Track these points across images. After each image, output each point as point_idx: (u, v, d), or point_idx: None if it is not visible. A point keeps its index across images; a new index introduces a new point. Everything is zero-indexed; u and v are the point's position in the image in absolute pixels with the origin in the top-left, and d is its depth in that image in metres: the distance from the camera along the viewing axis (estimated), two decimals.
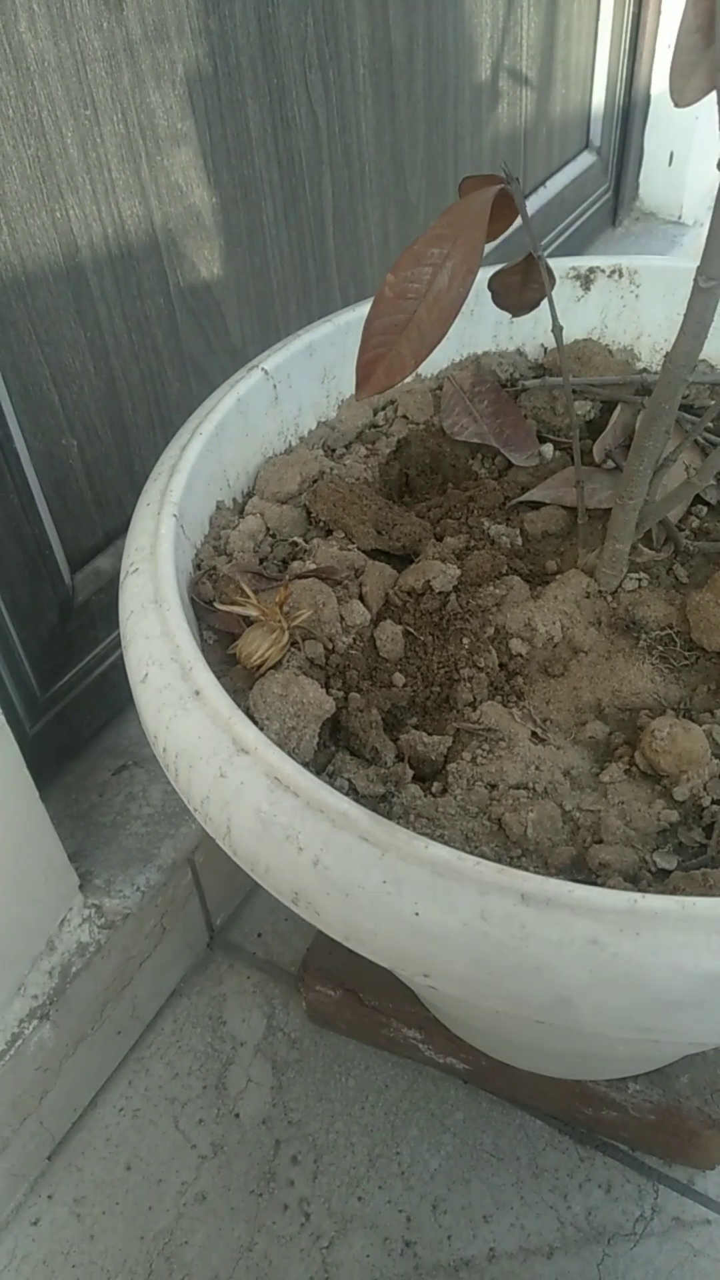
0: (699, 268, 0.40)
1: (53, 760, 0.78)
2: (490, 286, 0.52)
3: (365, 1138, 0.75)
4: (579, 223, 1.40)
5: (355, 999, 0.74)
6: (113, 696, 0.81)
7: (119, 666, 0.79)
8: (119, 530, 0.77)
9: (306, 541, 0.54)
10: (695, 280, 0.40)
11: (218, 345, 0.80)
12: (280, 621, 0.45)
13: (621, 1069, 0.66)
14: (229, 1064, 0.79)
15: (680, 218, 1.52)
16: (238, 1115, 0.76)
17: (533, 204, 1.26)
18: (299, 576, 0.49)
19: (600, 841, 0.43)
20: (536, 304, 0.53)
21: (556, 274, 0.63)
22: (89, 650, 0.77)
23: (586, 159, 1.36)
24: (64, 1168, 0.74)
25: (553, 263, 0.62)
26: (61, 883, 0.69)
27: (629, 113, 1.41)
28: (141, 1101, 0.77)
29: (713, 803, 0.45)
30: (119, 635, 0.77)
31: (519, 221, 0.49)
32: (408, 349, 0.46)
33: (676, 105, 0.35)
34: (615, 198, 1.49)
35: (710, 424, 0.62)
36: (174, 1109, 0.77)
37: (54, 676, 0.74)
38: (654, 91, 1.43)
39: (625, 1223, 0.70)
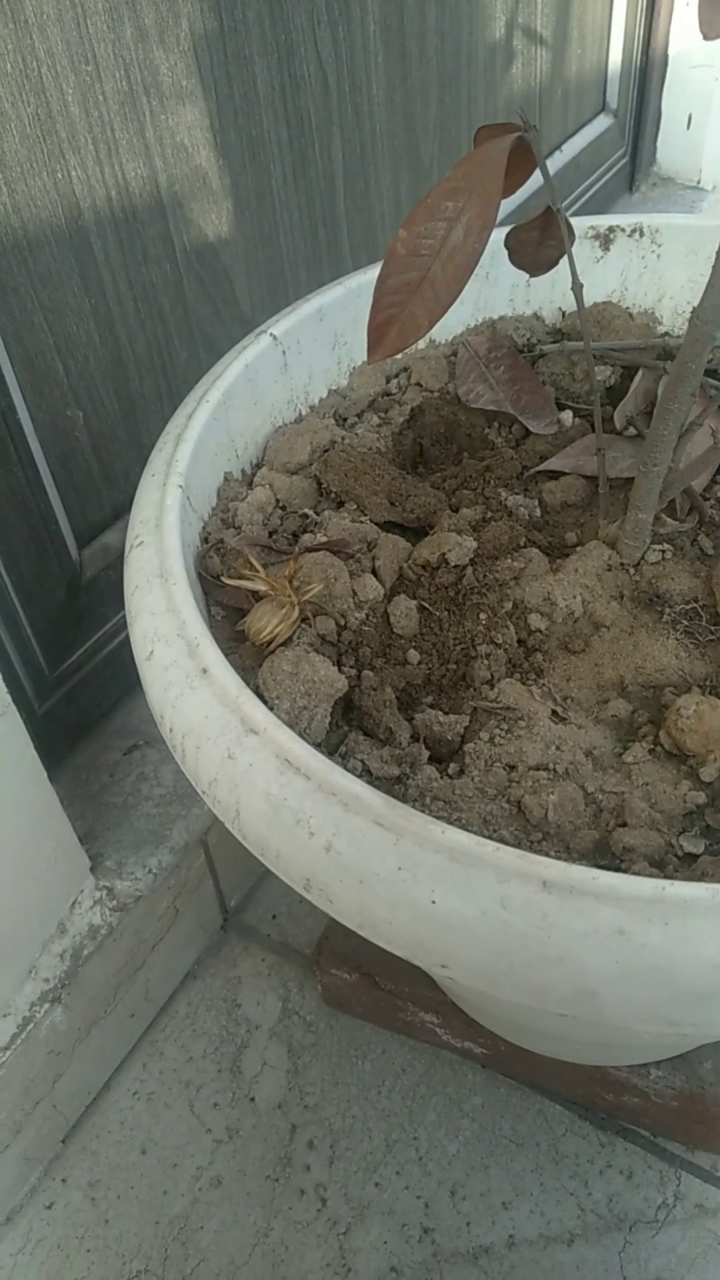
0: None
1: (62, 740, 0.76)
2: (507, 244, 0.50)
3: (382, 1123, 0.73)
4: (596, 188, 1.36)
5: (371, 982, 0.73)
6: (123, 675, 0.79)
7: (129, 644, 0.77)
8: (127, 505, 0.75)
9: (317, 514, 0.52)
10: None
11: (226, 313, 0.77)
12: (290, 596, 0.44)
13: (644, 1055, 0.64)
14: (244, 1047, 0.78)
15: (699, 182, 1.48)
16: (253, 1099, 0.75)
17: (549, 167, 1.22)
18: (309, 550, 0.47)
19: (624, 825, 0.41)
20: (555, 262, 0.51)
21: (575, 233, 0.61)
22: (98, 628, 0.75)
23: (603, 122, 1.32)
24: (78, 1151, 0.73)
25: (572, 221, 0.59)
26: (72, 865, 0.68)
27: (646, 74, 1.37)
28: (156, 1085, 0.77)
29: None
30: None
31: (536, 179, 0.46)
32: (421, 309, 0.43)
33: (706, 38, 0.33)
34: (632, 162, 1.45)
35: None
36: (189, 1092, 0.76)
37: (62, 655, 0.72)
38: (672, 52, 1.39)
39: (647, 1210, 0.68)
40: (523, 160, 0.45)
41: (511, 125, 0.43)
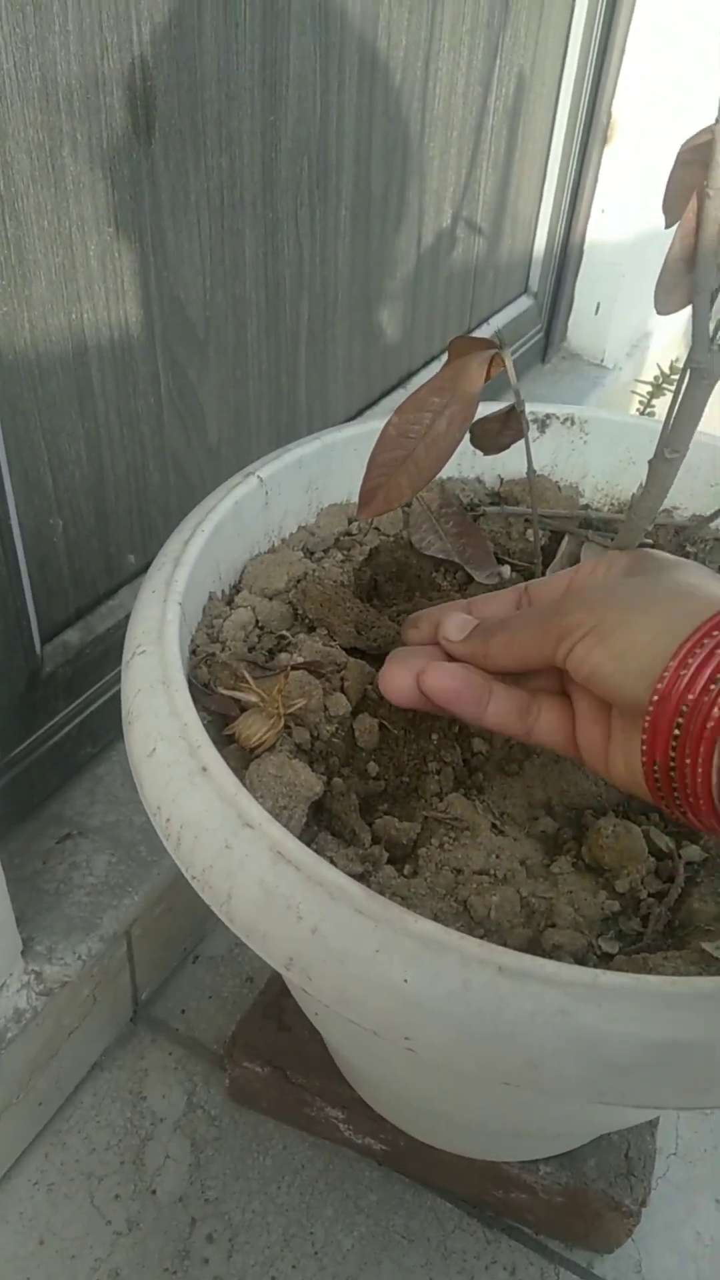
0: (663, 439, 0.48)
1: (0, 825, 0.79)
2: (471, 429, 0.59)
3: (281, 1217, 0.76)
4: (514, 357, 1.52)
5: (282, 1076, 0.76)
6: (63, 765, 0.83)
7: (73, 737, 0.82)
8: (89, 607, 0.81)
9: (292, 635, 0.59)
10: (660, 450, 0.48)
11: (196, 444, 0.85)
12: (279, 708, 0.50)
13: (540, 1149, 0.70)
14: (148, 1140, 0.80)
15: (602, 361, 1.66)
16: (154, 1192, 0.77)
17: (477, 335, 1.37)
18: (293, 668, 0.54)
19: (553, 925, 0.48)
20: (508, 447, 0.60)
21: None
22: (48, 719, 0.79)
23: (524, 302, 1.49)
24: None
25: None
26: (7, 948, 0.70)
27: (564, 265, 1.55)
28: (57, 1175, 0.77)
29: (649, 895, 0.51)
30: (77, 706, 0.80)
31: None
32: (405, 481, 0.52)
33: (660, 313, 0.43)
34: (546, 338, 1.62)
35: None
36: (90, 1184, 0.77)
37: (13, 743, 0.76)
38: (586, 247, 1.58)
39: None
40: (491, 367, 0.55)
41: (487, 341, 0.53)
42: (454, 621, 0.49)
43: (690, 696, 0.36)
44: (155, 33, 0.66)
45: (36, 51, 0.59)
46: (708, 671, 0.35)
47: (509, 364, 0.53)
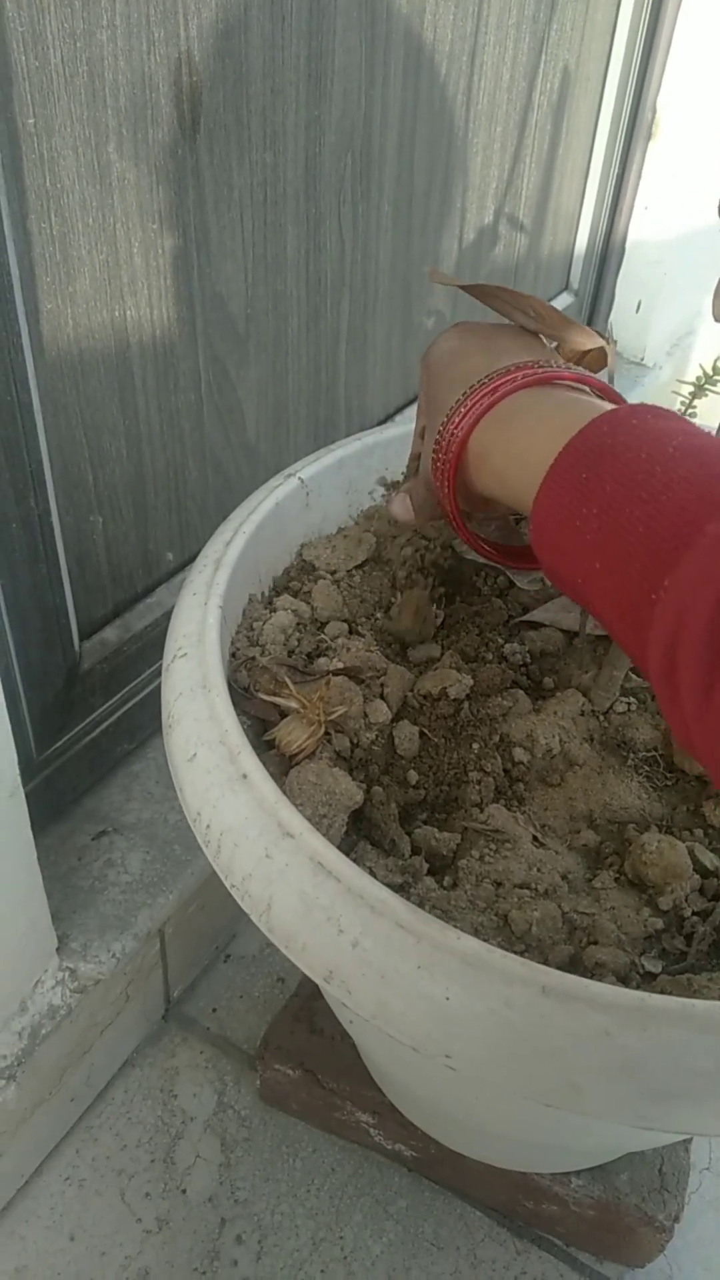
0: None
1: (37, 821, 0.79)
2: None
3: (310, 1220, 0.76)
4: None
5: (313, 1079, 0.76)
6: (99, 762, 0.83)
7: (110, 733, 0.82)
8: (127, 604, 0.81)
9: (332, 640, 0.59)
10: None
11: (235, 440, 0.85)
12: (319, 715, 0.50)
13: (572, 1162, 0.69)
14: (178, 1138, 0.80)
15: (643, 360, 1.64)
16: (184, 1191, 0.77)
17: None
18: (334, 674, 0.54)
19: (595, 943, 0.47)
20: None
21: None
22: (85, 716, 0.79)
23: (565, 299, 1.47)
24: (5, 1236, 0.74)
25: None
26: (42, 945, 0.71)
27: (605, 262, 1.53)
28: (88, 1171, 0.78)
29: (693, 914, 0.50)
30: (114, 703, 0.80)
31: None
32: None
33: (717, 320, 0.42)
34: None
35: None
36: (121, 1181, 0.77)
37: (51, 740, 0.76)
38: (628, 245, 1.55)
39: None
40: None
41: (600, 333, 0.53)
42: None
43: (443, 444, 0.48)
44: (202, 28, 0.65)
45: (84, 46, 0.58)
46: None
47: (611, 359, 0.52)
